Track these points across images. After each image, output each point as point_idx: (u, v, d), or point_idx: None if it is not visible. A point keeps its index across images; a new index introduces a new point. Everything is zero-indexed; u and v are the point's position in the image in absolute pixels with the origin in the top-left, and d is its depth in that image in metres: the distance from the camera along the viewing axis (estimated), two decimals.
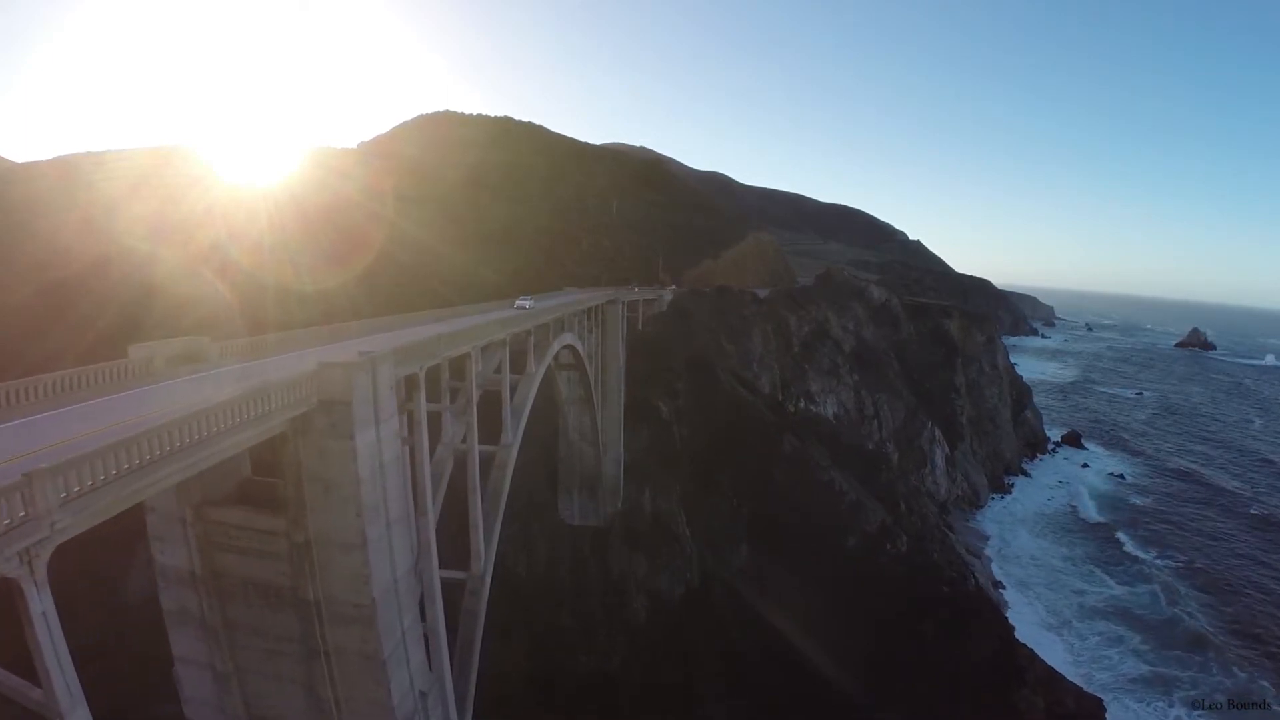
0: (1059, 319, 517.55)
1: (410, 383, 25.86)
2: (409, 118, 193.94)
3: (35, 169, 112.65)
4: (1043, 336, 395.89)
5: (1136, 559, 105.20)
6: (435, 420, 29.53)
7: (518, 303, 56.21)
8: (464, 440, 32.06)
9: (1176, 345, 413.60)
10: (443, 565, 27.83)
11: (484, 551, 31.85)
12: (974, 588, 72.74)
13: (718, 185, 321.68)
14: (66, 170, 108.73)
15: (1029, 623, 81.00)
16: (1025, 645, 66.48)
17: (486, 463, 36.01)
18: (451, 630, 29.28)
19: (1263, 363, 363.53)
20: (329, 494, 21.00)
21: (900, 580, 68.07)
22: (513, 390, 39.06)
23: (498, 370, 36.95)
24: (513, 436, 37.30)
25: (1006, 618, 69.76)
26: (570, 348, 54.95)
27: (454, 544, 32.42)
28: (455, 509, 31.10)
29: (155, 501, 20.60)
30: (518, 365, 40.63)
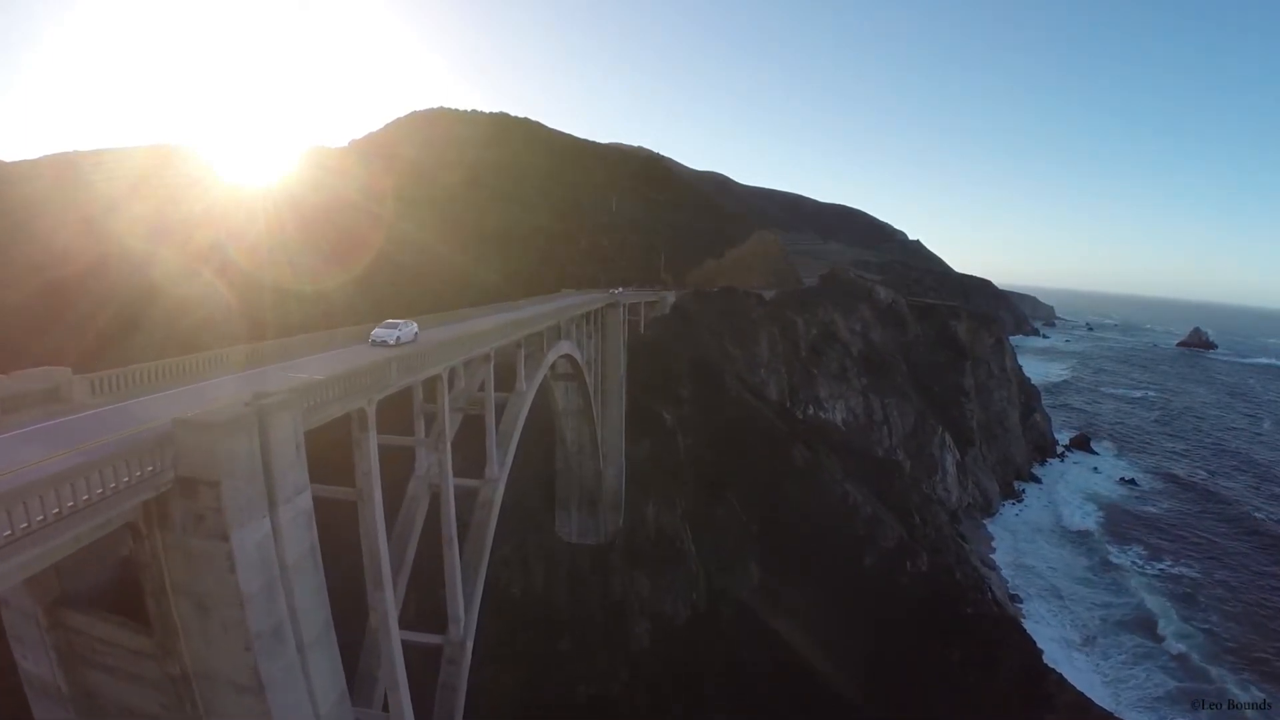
0: (1059, 319, 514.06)
1: (360, 419, 20.18)
2: (402, 114, 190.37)
3: (31, 168, 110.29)
4: (1044, 336, 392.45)
5: (1154, 569, 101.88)
6: (408, 454, 25.05)
7: (375, 333, 30.52)
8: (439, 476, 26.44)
9: (1178, 345, 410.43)
10: (416, 626, 22.87)
11: (464, 614, 26.07)
12: (996, 609, 68.96)
13: (716, 185, 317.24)
14: (63, 169, 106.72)
15: (1051, 639, 77.86)
16: (1053, 669, 62.83)
17: (468, 499, 30.13)
18: (425, 709, 24.11)
19: (1264, 362, 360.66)
20: (205, 616, 14.34)
21: (921, 601, 64.17)
22: (499, 412, 33.09)
23: (481, 389, 31.22)
24: (499, 469, 31.35)
25: (1033, 639, 66.04)
26: (568, 357, 50.40)
27: (432, 595, 27.89)
28: (432, 551, 26.46)
29: (9, 594, 14.64)
30: (507, 382, 35.30)
